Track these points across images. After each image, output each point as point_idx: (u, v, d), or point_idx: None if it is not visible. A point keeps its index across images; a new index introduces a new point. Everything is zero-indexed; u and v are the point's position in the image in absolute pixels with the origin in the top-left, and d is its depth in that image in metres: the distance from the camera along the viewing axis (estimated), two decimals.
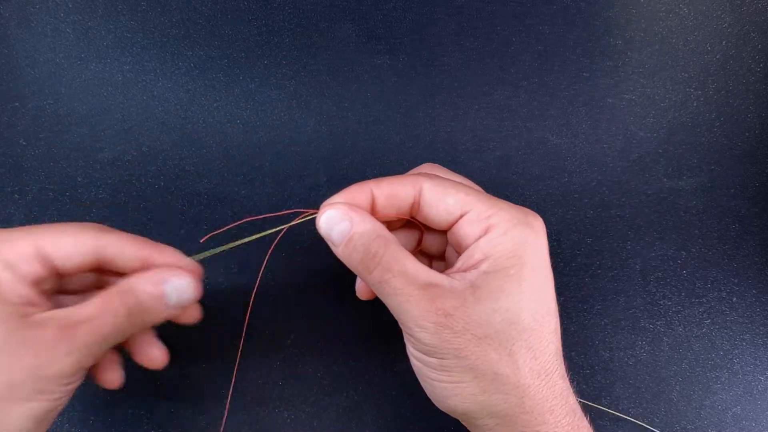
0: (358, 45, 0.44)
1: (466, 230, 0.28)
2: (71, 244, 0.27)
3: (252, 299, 0.37)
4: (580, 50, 0.44)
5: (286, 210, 0.32)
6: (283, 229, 0.32)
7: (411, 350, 0.29)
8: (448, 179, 0.30)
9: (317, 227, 0.28)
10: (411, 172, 0.33)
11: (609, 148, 0.45)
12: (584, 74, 0.45)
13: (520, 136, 0.45)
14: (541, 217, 0.29)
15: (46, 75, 0.45)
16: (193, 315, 0.32)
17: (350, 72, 0.45)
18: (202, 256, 0.32)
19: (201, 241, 0.37)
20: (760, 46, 0.44)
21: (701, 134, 0.45)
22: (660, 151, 0.45)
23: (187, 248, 0.32)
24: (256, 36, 0.44)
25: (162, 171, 0.44)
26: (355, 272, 0.29)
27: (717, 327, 0.41)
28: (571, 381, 0.29)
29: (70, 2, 0.44)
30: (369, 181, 0.29)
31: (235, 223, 0.33)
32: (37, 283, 0.27)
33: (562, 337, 0.29)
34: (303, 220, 0.31)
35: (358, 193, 0.29)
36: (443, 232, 0.31)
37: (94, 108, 0.45)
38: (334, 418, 0.39)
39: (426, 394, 0.30)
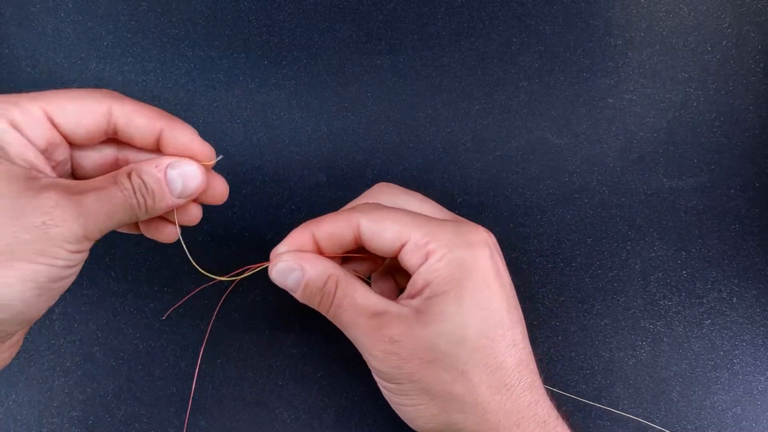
0: (358, 45, 0.44)
1: (408, 259, 0.29)
2: (79, 108, 0.26)
3: (205, 340, 0.39)
4: (580, 50, 0.44)
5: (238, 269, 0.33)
6: (235, 280, 0.33)
7: (375, 378, 0.30)
8: (386, 208, 0.30)
9: (271, 279, 0.30)
10: (362, 195, 0.33)
11: (609, 148, 0.45)
12: (584, 74, 0.45)
13: (520, 136, 0.45)
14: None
15: (46, 75, 0.45)
16: (194, 214, 0.31)
17: (350, 72, 0.45)
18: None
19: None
20: (760, 46, 0.44)
21: (701, 134, 0.45)
22: (660, 151, 0.45)
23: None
24: (256, 36, 0.44)
25: None
26: (318, 310, 0.30)
27: (717, 327, 0.41)
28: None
29: (70, 2, 0.44)
30: (309, 222, 0.30)
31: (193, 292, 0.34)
32: (45, 149, 0.26)
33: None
34: (253, 272, 0.32)
35: (301, 237, 0.30)
36: None
37: None
38: (334, 418, 0.39)
39: None
